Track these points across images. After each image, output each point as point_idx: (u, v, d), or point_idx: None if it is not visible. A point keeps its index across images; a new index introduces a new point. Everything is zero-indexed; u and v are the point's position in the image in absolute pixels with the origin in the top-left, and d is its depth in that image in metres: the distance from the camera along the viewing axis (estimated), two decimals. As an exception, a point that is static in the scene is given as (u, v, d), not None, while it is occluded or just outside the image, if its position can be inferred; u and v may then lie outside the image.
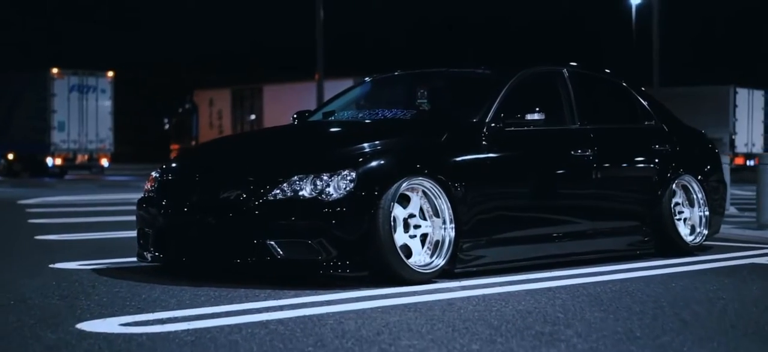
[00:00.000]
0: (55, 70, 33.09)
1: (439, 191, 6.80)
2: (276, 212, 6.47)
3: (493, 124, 7.33)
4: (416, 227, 6.76)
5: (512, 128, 7.41)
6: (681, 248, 8.55)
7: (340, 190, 6.45)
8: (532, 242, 7.46)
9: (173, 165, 7.31)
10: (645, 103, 8.82)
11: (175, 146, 38.17)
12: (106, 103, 33.95)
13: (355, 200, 6.43)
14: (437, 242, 6.83)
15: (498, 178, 7.22)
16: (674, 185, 8.59)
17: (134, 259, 7.53)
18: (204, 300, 5.92)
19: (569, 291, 6.43)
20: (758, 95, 37.62)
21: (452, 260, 6.86)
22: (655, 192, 8.41)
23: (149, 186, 7.26)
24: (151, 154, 37.73)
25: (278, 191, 6.51)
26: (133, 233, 7.85)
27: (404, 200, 6.70)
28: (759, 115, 37.63)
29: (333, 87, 31.59)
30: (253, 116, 40.73)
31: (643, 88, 9.04)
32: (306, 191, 6.48)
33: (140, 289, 6.35)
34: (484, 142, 7.21)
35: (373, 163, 6.61)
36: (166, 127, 43.05)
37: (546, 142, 7.73)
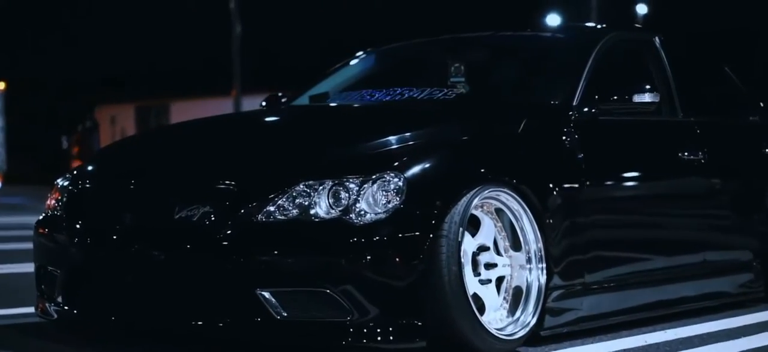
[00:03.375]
0: (-66, 81, 29.78)
1: (521, 209, 4.31)
2: (270, 241, 3.93)
3: (585, 109, 4.87)
4: (489, 266, 4.26)
5: (608, 117, 4.96)
6: (794, 291, 6.18)
7: (378, 206, 3.93)
8: (637, 286, 5.01)
9: (92, 167, 4.70)
10: (746, 91, 6.43)
11: (77, 164, 35.08)
12: (-4, 119, 30.71)
13: (404, 222, 3.91)
14: (518, 289, 4.34)
15: (595, 190, 4.75)
16: (785, 205, 6.21)
17: (31, 310, 4.88)
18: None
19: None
20: None
21: (542, 316, 4.37)
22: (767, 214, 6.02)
23: (54, 201, 4.64)
24: (47, 175, 34.73)
25: (273, 208, 3.96)
26: (28, 269, 5.22)
27: (470, 224, 4.19)
28: None
29: (250, 104, 28.95)
30: (159, 136, 37.84)
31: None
32: (321, 208, 3.94)
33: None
34: (572, 137, 4.74)
35: (428, 164, 4.10)
36: (65, 146, 39.96)
37: (649, 138, 5.30)
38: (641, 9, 46.90)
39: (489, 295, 4.25)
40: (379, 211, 3.92)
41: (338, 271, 3.87)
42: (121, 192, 4.34)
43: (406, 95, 5.14)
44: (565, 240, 4.49)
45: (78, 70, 45.82)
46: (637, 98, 4.90)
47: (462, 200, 4.04)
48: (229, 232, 3.95)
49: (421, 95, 5.10)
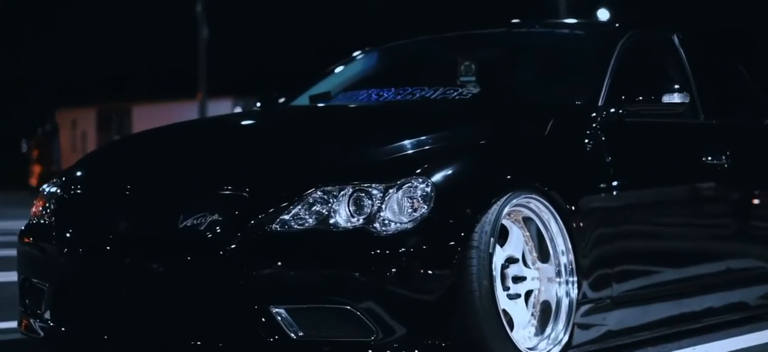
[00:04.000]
0: None
1: (552, 218, 3.99)
2: (285, 253, 3.58)
3: (612, 110, 4.56)
4: (517, 279, 3.94)
5: (634, 119, 4.65)
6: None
7: (404, 214, 3.59)
8: (663, 298, 4.71)
9: (83, 172, 4.32)
10: (762, 93, 6.16)
11: (36, 169, 34.62)
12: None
13: (433, 232, 3.58)
14: (546, 303, 4.02)
15: (624, 197, 4.44)
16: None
17: (12, 324, 4.49)
18: None
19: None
20: None
21: (571, 333, 4.06)
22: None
23: (40, 208, 4.26)
24: (5, 179, 34.08)
25: (288, 217, 3.61)
26: (8, 277, 4.85)
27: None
28: None
29: (216, 108, 28.43)
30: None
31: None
32: (340, 217, 3.60)
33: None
34: (599, 140, 4.43)
35: (455, 169, 3.77)
36: (25, 150, 39.32)
37: (674, 141, 5.00)
38: (603, 14, 46.80)
39: (518, 310, 3.92)
40: (405, 220, 3.58)
41: (360, 286, 3.53)
42: (116, 198, 3.97)
43: (418, 95, 4.81)
44: (595, 250, 4.18)
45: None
46: (667, 99, 4.60)
47: (493, 208, 3.71)
48: (239, 243, 3.59)
49: (435, 95, 4.77)
